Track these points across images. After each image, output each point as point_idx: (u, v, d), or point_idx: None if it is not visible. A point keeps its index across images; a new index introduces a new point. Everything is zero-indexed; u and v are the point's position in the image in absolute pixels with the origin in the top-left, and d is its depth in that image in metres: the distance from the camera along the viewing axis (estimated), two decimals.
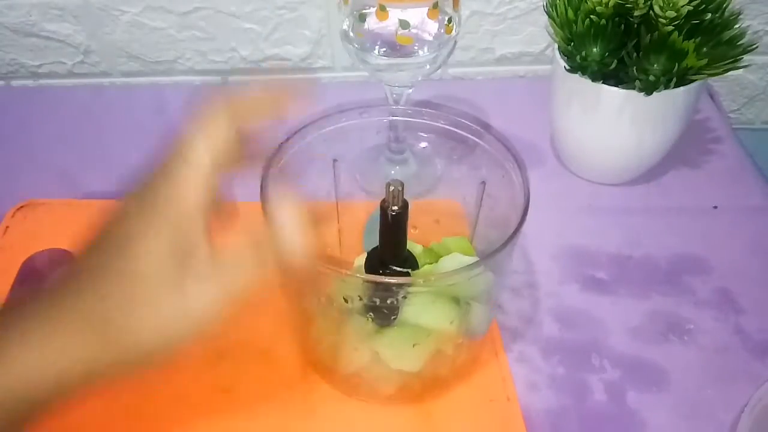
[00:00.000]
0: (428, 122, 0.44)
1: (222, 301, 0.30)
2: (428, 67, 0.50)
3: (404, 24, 0.47)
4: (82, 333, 0.29)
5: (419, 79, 0.51)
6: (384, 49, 0.48)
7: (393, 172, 0.56)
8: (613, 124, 0.53)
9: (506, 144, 0.41)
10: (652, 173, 0.58)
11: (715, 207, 0.57)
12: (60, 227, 0.53)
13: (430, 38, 0.49)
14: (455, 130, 0.43)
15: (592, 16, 0.49)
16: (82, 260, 0.32)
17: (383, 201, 0.38)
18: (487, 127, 0.42)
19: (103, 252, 0.31)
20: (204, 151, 0.31)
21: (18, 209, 0.54)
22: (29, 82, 0.72)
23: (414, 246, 0.45)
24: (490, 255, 0.36)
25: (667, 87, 0.49)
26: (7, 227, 0.52)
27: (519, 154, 0.40)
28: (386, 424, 0.42)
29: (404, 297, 0.38)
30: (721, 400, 0.44)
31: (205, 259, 0.30)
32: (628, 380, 0.45)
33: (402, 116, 0.45)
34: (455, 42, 0.50)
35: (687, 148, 0.60)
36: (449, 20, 0.48)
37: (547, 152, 0.62)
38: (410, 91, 0.52)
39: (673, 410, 0.43)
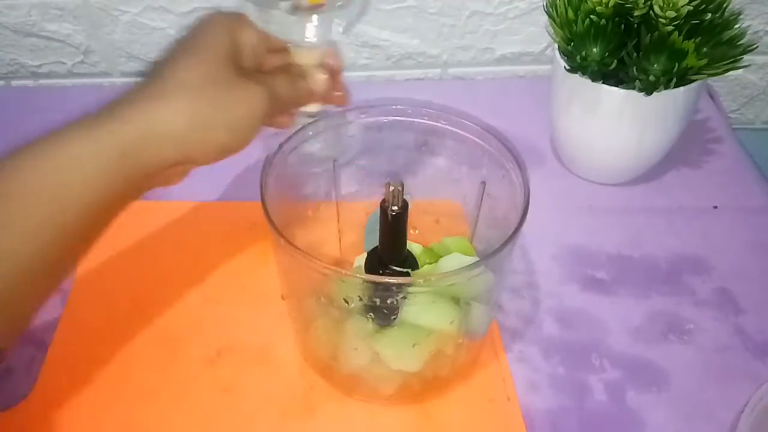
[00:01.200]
0: (428, 122, 0.44)
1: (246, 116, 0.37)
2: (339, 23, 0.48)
3: None
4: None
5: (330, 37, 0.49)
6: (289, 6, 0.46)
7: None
8: (613, 124, 0.53)
9: (506, 144, 0.41)
10: (652, 173, 0.58)
11: (715, 207, 0.57)
12: None
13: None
14: (455, 130, 0.43)
15: (592, 16, 0.49)
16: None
17: (383, 201, 0.38)
18: (487, 127, 0.42)
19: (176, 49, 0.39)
20: (228, 14, 0.40)
21: None
22: (29, 82, 0.72)
23: (414, 246, 0.45)
24: (490, 255, 0.36)
25: (667, 87, 0.49)
26: None
27: (519, 154, 0.40)
28: (386, 424, 0.42)
29: (404, 297, 0.38)
30: (721, 400, 0.44)
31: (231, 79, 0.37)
32: (628, 380, 0.45)
33: (402, 116, 0.45)
34: None
35: (687, 148, 0.60)
36: None
37: (547, 152, 0.62)
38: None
39: (673, 410, 0.43)
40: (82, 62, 0.69)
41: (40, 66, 0.70)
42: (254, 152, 0.65)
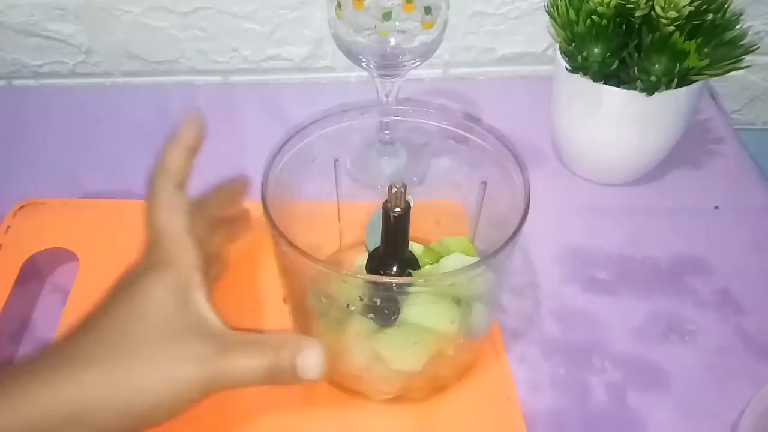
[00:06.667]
0: (430, 122, 0.44)
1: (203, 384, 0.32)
2: (415, 63, 0.50)
3: (386, 15, 0.46)
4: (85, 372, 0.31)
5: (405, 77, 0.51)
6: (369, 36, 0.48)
7: (384, 160, 0.56)
8: (615, 124, 0.53)
9: (507, 144, 0.41)
10: (653, 174, 0.58)
11: (717, 207, 0.57)
12: (61, 226, 0.53)
13: (412, 39, 0.48)
14: (457, 130, 0.43)
15: (593, 17, 0.49)
16: (92, 309, 0.34)
17: (386, 202, 0.38)
18: (488, 127, 0.42)
19: (110, 298, 0.34)
20: (174, 221, 0.35)
21: (19, 209, 0.54)
22: (31, 82, 0.72)
23: (414, 246, 0.45)
24: (490, 255, 0.36)
25: (668, 87, 0.49)
26: (9, 227, 0.52)
27: (520, 154, 0.40)
28: (386, 424, 0.42)
29: (405, 297, 0.38)
30: (722, 400, 0.44)
31: (204, 327, 0.33)
32: (629, 381, 0.45)
33: (404, 116, 0.45)
34: (438, 39, 0.49)
35: (688, 149, 0.60)
36: (427, 11, 0.47)
37: (548, 152, 0.62)
38: (400, 84, 0.52)
39: (674, 411, 0.43)
40: (83, 62, 0.69)
41: (41, 66, 0.70)
42: (254, 151, 0.65)
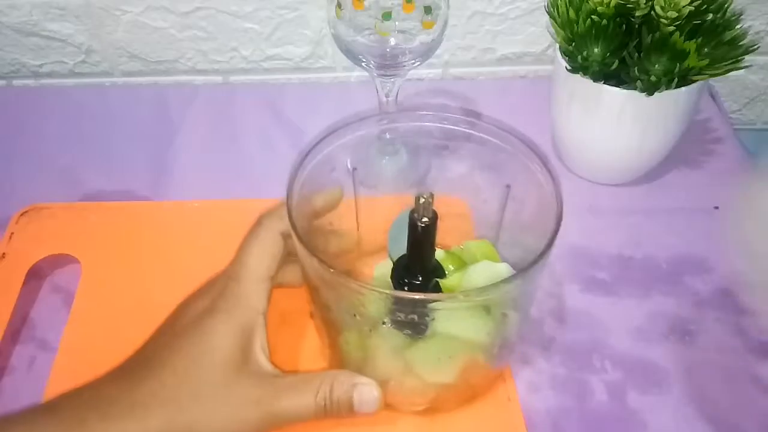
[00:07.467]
0: (443, 125, 0.43)
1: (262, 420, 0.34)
2: (415, 63, 0.49)
3: (386, 15, 0.46)
4: (148, 414, 0.33)
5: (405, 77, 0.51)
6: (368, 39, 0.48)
7: (384, 160, 0.56)
8: (615, 124, 0.53)
9: (532, 146, 0.40)
10: (653, 173, 0.58)
11: (717, 207, 0.57)
12: (65, 232, 0.53)
13: (412, 39, 0.48)
14: (475, 133, 0.42)
15: (593, 17, 0.49)
16: (153, 342, 0.37)
17: (412, 212, 0.37)
18: (509, 128, 0.41)
19: (174, 336, 0.36)
20: (263, 264, 0.38)
21: (21, 214, 0.53)
22: (30, 82, 0.72)
23: (436, 251, 0.43)
24: (527, 267, 0.34)
25: (668, 87, 0.49)
26: (12, 234, 0.52)
27: (546, 157, 0.39)
28: (386, 424, 0.42)
29: (441, 310, 0.36)
30: (722, 401, 0.44)
31: (261, 369, 0.35)
32: (629, 381, 0.45)
33: (420, 121, 0.44)
34: (438, 39, 0.49)
35: (688, 149, 0.60)
36: (427, 11, 0.47)
37: (548, 153, 0.62)
38: (400, 84, 0.52)
39: (674, 411, 0.43)
40: (83, 62, 0.69)
41: (41, 66, 0.70)
42: (254, 151, 0.65)
